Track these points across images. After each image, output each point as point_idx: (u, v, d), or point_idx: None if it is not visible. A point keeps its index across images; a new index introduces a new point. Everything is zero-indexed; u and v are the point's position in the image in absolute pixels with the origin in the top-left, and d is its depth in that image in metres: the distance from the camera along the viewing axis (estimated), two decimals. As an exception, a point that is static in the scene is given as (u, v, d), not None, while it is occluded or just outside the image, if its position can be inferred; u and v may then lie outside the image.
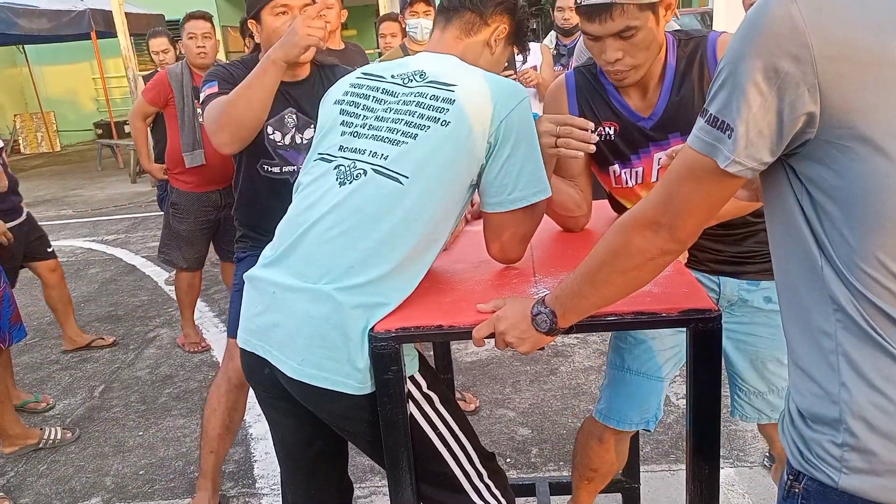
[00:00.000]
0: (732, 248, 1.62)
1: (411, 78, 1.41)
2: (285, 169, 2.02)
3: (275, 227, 1.44)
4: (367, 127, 1.39)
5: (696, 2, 17.29)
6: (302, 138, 2.01)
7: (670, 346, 1.68)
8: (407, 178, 1.31)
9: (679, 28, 1.55)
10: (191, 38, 3.47)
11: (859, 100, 0.77)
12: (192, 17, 3.53)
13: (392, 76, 1.44)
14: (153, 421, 3.10)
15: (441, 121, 1.32)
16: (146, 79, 4.59)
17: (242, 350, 1.44)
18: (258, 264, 1.44)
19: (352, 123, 1.42)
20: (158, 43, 4.46)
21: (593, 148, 1.46)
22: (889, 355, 0.80)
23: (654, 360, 1.68)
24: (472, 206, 1.94)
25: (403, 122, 1.35)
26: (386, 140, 1.35)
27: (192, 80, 3.49)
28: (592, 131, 1.61)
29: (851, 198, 0.79)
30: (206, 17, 3.55)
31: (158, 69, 4.54)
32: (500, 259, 1.47)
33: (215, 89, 1.97)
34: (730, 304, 1.66)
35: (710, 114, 0.85)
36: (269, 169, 2.02)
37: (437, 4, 3.53)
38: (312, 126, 1.97)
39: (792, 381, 0.93)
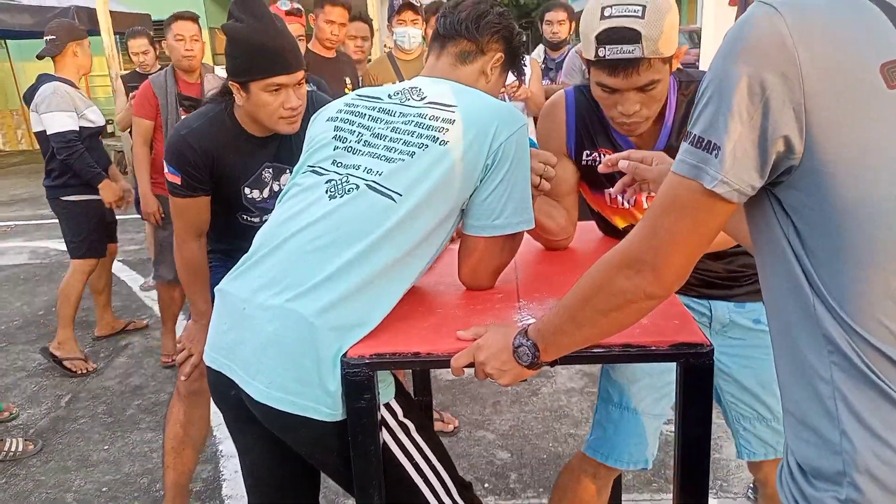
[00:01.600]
0: (723, 265, 1.57)
1: (408, 96, 1.38)
2: (265, 217, 1.91)
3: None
4: (363, 143, 1.35)
5: (685, 20, 17.48)
6: (279, 185, 1.92)
7: (666, 383, 1.60)
8: (400, 195, 1.27)
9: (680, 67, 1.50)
10: (179, 40, 3.36)
11: (845, 126, 0.73)
12: (180, 17, 3.41)
13: (389, 96, 1.40)
14: (120, 434, 2.99)
15: (440, 140, 1.29)
16: (124, 79, 4.49)
17: (209, 368, 1.37)
18: (230, 275, 1.38)
19: (346, 139, 1.37)
20: (138, 44, 4.35)
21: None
22: (889, 400, 0.75)
23: (651, 398, 1.61)
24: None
25: (402, 141, 1.32)
26: (382, 157, 1.31)
27: (177, 87, 3.40)
28: (587, 156, 1.55)
29: (840, 230, 0.75)
30: (194, 18, 3.45)
31: (137, 70, 4.45)
32: (469, 285, 1.43)
33: (178, 180, 1.84)
34: (723, 326, 1.62)
35: (695, 135, 0.80)
36: (249, 219, 1.94)
37: (423, 11, 3.50)
38: (288, 171, 1.90)
39: (788, 431, 0.87)
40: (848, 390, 0.77)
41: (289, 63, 1.73)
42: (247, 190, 1.89)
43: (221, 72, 3.66)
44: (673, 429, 2.77)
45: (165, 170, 1.87)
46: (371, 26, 3.75)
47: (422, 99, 1.37)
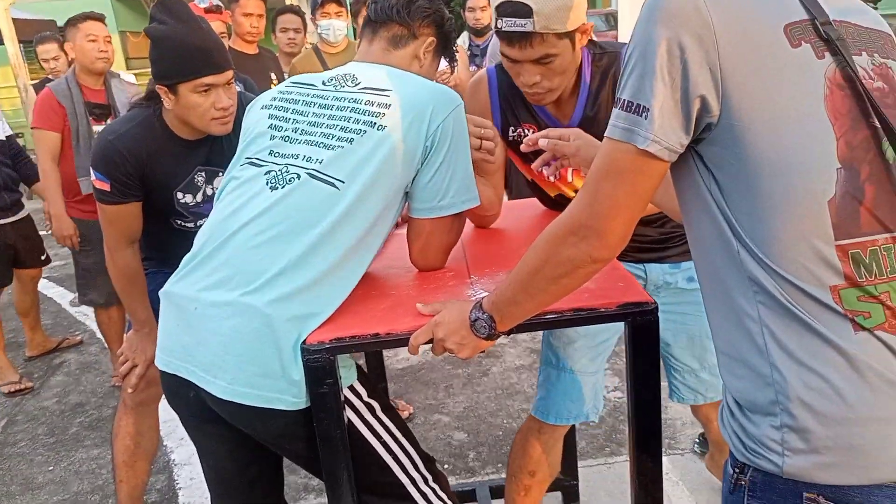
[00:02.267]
0: (655, 229, 1.65)
1: (342, 82, 1.38)
2: (199, 223, 1.89)
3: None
4: (299, 132, 1.34)
5: (600, 3, 17.84)
6: (213, 188, 1.89)
7: (602, 341, 1.70)
8: (343, 182, 1.27)
9: (593, 40, 1.57)
10: (92, 40, 3.10)
11: (756, 83, 0.80)
12: (89, 17, 3.16)
13: (324, 83, 1.40)
14: (64, 454, 2.88)
15: (377, 125, 1.29)
16: (37, 87, 4.28)
17: (163, 373, 1.34)
18: (174, 277, 1.35)
19: (282, 128, 1.36)
20: (47, 49, 4.14)
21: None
22: (812, 331, 0.82)
23: (588, 357, 1.70)
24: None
25: (339, 127, 1.31)
26: (321, 145, 1.31)
27: (83, 94, 3.13)
28: (513, 132, 1.62)
29: (755, 181, 0.82)
30: (103, 18, 3.24)
31: (49, 77, 4.26)
32: (421, 266, 1.45)
33: (107, 187, 1.78)
34: (657, 288, 1.71)
35: (624, 100, 0.85)
36: (183, 224, 1.91)
37: (348, 5, 3.48)
38: (221, 173, 1.87)
39: (723, 370, 0.94)
40: (774, 326, 0.84)
41: (217, 63, 1.71)
42: (179, 195, 1.86)
43: (128, 76, 3.52)
44: (620, 395, 2.87)
45: (93, 176, 1.81)
46: (304, 18, 3.69)
47: (356, 84, 1.37)
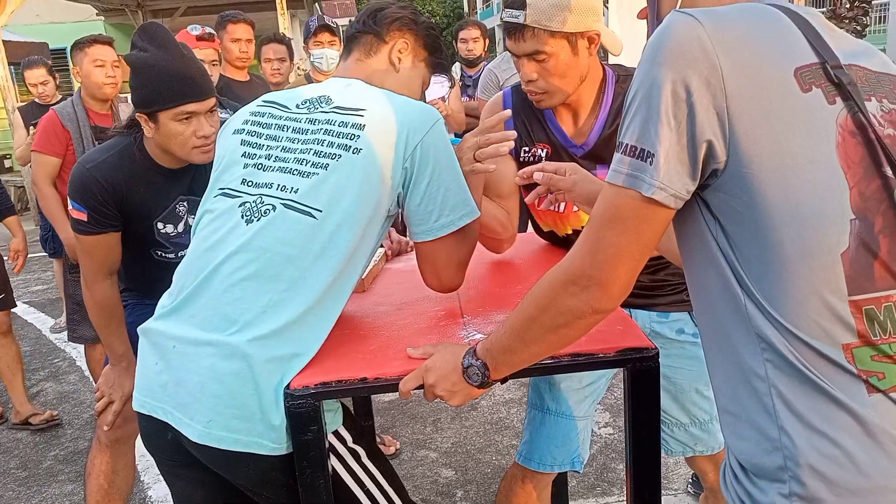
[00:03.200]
0: (647, 275, 1.60)
1: (316, 105, 1.32)
2: (181, 254, 1.82)
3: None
4: (272, 158, 1.29)
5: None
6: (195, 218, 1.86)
7: (587, 384, 1.64)
8: (320, 212, 1.22)
9: (620, 64, 1.57)
10: (99, 65, 3.00)
11: (765, 129, 0.76)
12: (97, 41, 3.06)
13: (297, 105, 1.34)
14: (36, 489, 2.77)
15: (352, 149, 1.24)
16: (22, 111, 4.22)
17: (140, 414, 1.28)
18: (155, 315, 1.30)
19: (254, 155, 1.31)
20: (36, 74, 4.10)
21: (505, 150, 1.43)
22: (823, 393, 0.77)
23: (573, 399, 1.63)
24: (392, 243, 1.85)
25: (312, 151, 1.26)
26: (295, 172, 1.25)
27: (89, 119, 3.04)
28: (526, 152, 1.60)
29: (765, 230, 0.78)
30: (112, 42, 3.14)
31: (37, 101, 4.21)
32: (438, 289, 1.37)
33: (84, 217, 1.74)
34: None
35: (628, 145, 0.81)
36: (164, 255, 1.85)
37: (341, 35, 3.47)
38: None
39: (727, 431, 0.88)
40: (784, 386, 0.79)
41: (199, 90, 1.67)
42: (160, 225, 1.81)
43: None
44: (611, 432, 2.81)
45: (69, 206, 1.76)
46: (290, 47, 3.68)
47: (329, 105, 1.32)
